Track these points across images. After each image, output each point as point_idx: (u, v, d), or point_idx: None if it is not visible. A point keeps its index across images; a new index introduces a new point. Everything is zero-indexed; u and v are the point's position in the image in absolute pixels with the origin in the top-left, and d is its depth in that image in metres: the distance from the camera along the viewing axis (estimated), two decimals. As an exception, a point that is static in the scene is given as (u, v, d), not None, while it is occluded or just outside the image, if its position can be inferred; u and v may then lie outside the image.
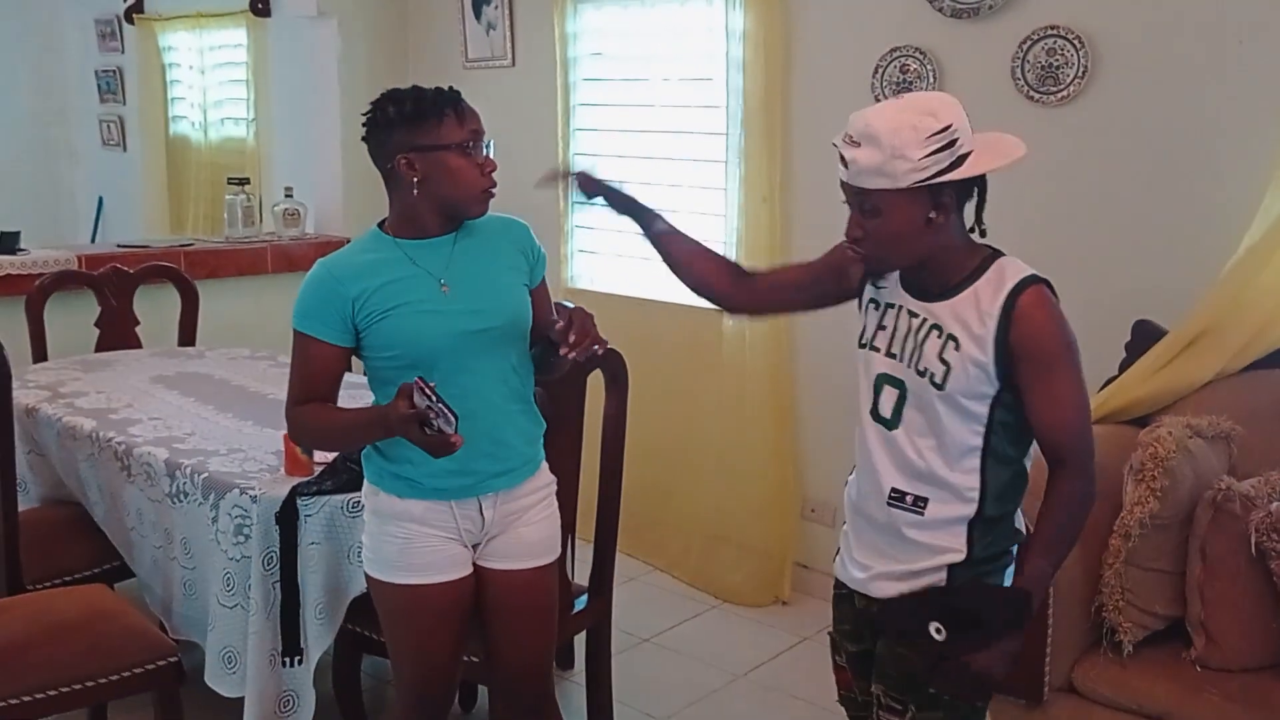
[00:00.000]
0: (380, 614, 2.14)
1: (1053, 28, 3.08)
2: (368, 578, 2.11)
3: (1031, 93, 3.14)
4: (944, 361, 1.72)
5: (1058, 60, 3.08)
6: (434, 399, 1.76)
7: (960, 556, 1.76)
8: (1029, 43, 3.12)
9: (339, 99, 4.70)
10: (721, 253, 2.08)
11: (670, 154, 4.00)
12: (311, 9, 4.67)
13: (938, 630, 1.72)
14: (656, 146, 4.03)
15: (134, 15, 5.96)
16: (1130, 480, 2.29)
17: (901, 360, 1.78)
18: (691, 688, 3.15)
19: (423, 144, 1.95)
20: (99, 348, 3.66)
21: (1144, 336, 2.82)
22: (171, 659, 2.38)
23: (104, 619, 2.43)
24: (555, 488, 2.19)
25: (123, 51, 6.27)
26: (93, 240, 6.36)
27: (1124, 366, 2.83)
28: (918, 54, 3.34)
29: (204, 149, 5.75)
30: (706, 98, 3.84)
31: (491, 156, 2.02)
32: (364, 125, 2.01)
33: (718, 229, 3.84)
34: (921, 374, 1.74)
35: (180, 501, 2.51)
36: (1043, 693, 2.31)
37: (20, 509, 2.76)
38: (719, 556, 3.83)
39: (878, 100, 3.31)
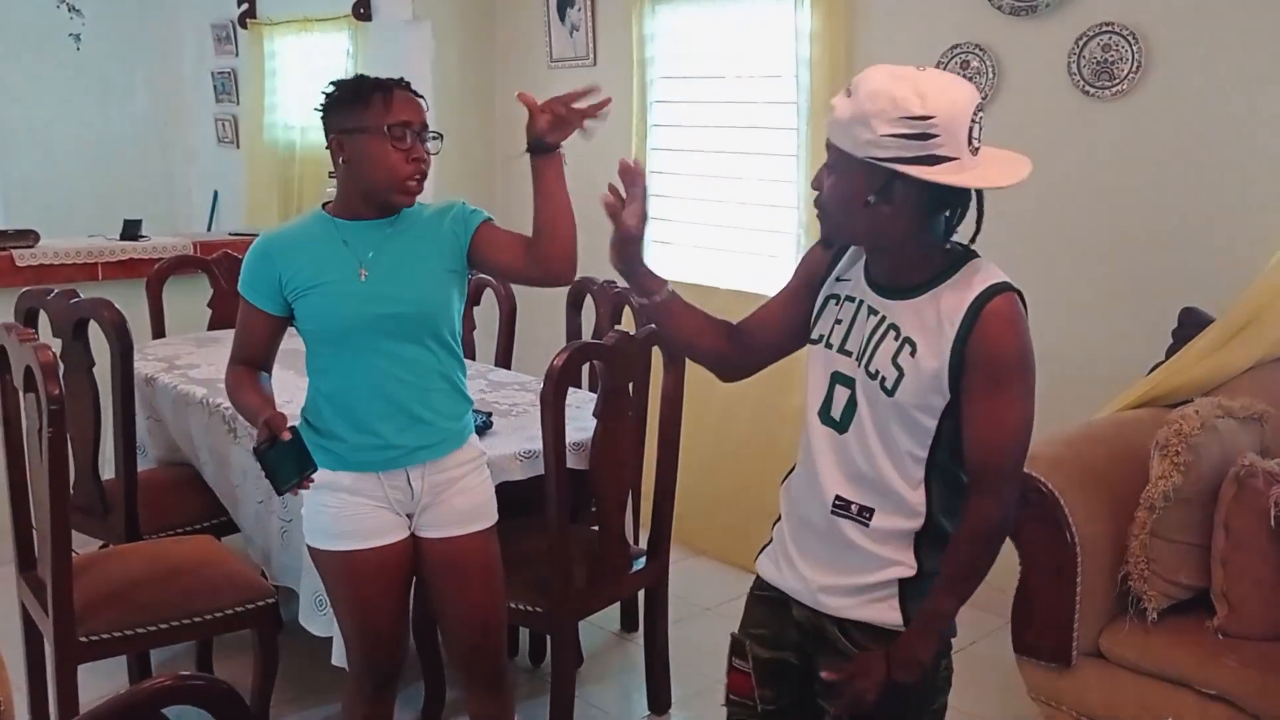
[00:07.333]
0: (323, 581, 2.23)
1: (1108, 24, 3.16)
2: (308, 547, 2.19)
3: (1087, 87, 3.23)
4: (897, 366, 1.59)
5: (1112, 56, 3.17)
6: (274, 460, 1.88)
7: (911, 571, 1.63)
8: (1084, 39, 3.21)
9: (433, 97, 4.92)
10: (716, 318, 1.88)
11: (742, 149, 4.15)
12: (407, 13, 4.94)
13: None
14: (729, 142, 4.19)
15: (247, 20, 6.35)
16: (1156, 455, 2.39)
17: (854, 358, 1.65)
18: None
19: (348, 126, 2.02)
20: (211, 326, 3.95)
21: (1190, 323, 2.89)
22: (269, 600, 2.63)
23: (210, 564, 2.70)
24: (485, 459, 2.25)
25: (236, 55, 6.66)
26: (208, 230, 6.78)
27: (1170, 352, 2.91)
28: (978, 50, 3.45)
29: (310, 146, 6.09)
30: (777, 94, 3.98)
31: (430, 150, 2.05)
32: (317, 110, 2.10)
33: (788, 221, 3.99)
34: (872, 376, 1.61)
35: (278, 461, 2.76)
36: (1071, 657, 2.43)
37: (139, 469, 3.05)
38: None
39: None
